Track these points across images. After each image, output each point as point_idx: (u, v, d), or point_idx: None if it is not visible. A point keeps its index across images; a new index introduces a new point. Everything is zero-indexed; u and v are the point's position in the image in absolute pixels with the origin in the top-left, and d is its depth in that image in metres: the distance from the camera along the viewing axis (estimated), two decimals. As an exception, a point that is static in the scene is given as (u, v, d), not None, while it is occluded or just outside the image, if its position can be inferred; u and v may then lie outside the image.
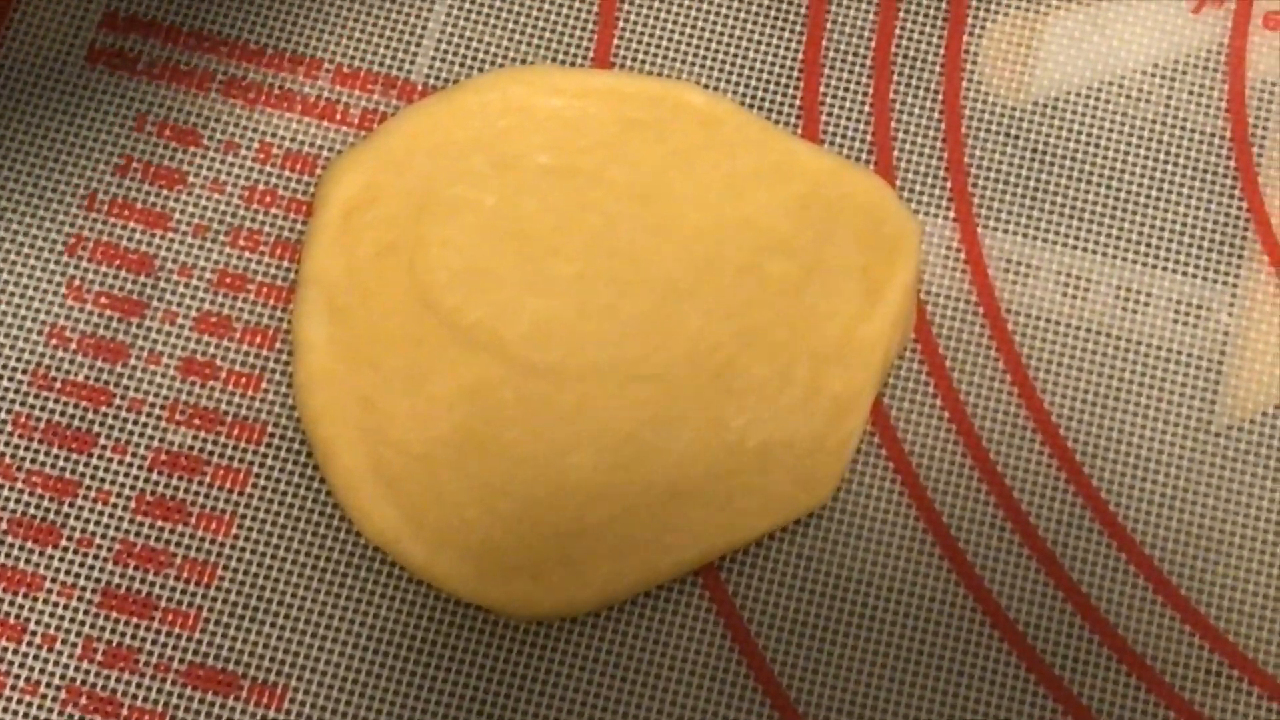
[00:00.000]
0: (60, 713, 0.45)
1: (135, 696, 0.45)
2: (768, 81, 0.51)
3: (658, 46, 0.51)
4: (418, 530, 0.45)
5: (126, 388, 0.48)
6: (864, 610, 0.46)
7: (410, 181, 0.48)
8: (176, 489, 0.47)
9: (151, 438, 0.47)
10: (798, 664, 0.46)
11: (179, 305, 0.48)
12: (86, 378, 0.48)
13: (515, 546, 0.46)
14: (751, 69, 0.51)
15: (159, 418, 0.47)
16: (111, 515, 0.46)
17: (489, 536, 0.46)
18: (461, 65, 0.51)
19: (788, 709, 0.45)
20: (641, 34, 0.51)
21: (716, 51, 0.51)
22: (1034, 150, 0.51)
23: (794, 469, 0.47)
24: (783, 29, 0.52)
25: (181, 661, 0.45)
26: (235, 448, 0.47)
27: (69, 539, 0.46)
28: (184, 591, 0.46)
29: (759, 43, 0.51)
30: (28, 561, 0.46)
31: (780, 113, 0.51)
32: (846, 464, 0.47)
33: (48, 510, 0.46)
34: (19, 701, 0.45)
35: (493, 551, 0.46)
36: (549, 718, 0.45)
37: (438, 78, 0.51)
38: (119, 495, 0.47)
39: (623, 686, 0.45)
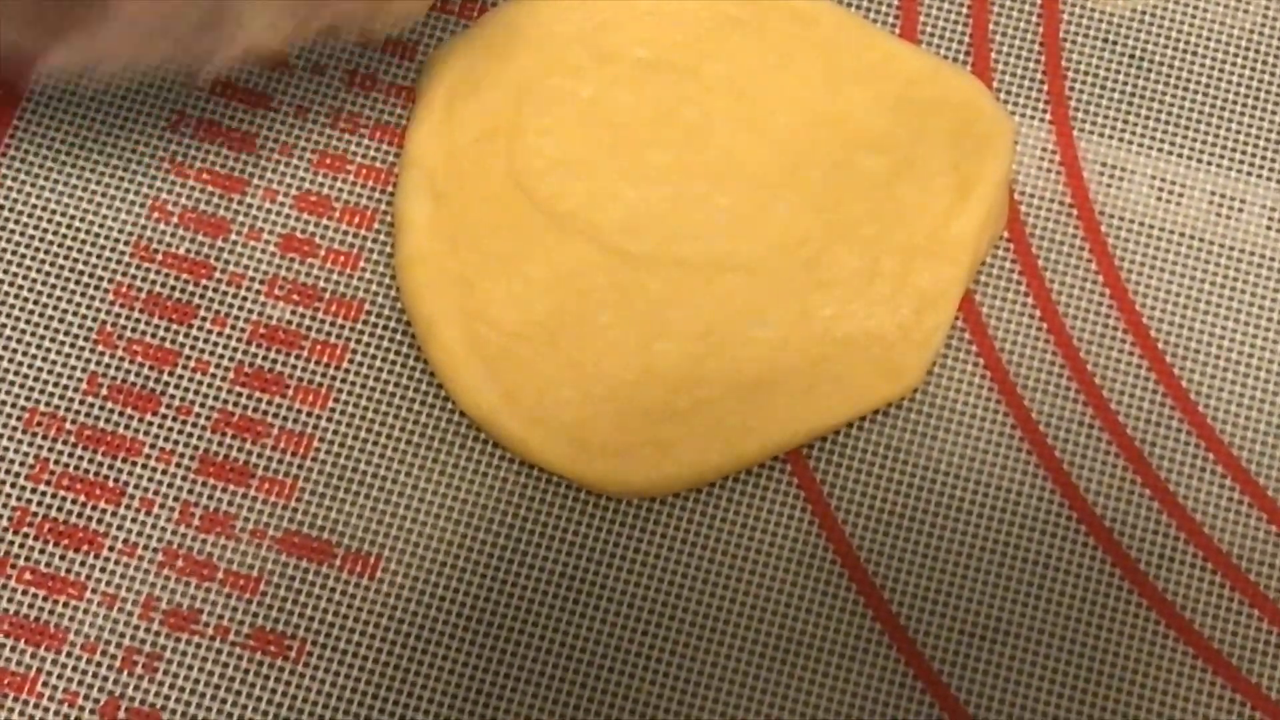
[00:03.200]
0: (157, 574, 0.45)
1: (231, 561, 0.46)
2: (867, -19, 0.51)
3: (758, -56, 0.51)
4: (513, 406, 0.46)
5: (227, 262, 0.48)
6: (949, 500, 0.47)
7: (510, 71, 0.49)
8: (274, 361, 0.47)
9: (250, 311, 0.48)
10: (883, 550, 0.46)
11: (279, 184, 0.49)
12: (188, 251, 0.48)
13: (607, 425, 0.46)
14: (851, -32, 0.51)
15: (258, 292, 0.48)
16: (210, 385, 0.47)
17: (582, 414, 0.46)
18: (562, -42, 0.51)
19: (872, 593, 0.46)
20: (742, -69, 0.52)
21: (816, -49, 0.51)
22: (1132, 55, 0.51)
23: (880, 359, 0.47)
24: (883, -70, 0.52)
25: (277, 529, 0.46)
26: (333, 323, 0.48)
27: (168, 406, 0.47)
28: (280, 461, 0.46)
29: (858, -57, 0.52)
30: (127, 427, 0.47)
31: (878, 11, 0.51)
32: (932, 356, 0.47)
33: (147, 379, 0.47)
34: (116, 561, 0.45)
35: (585, 429, 0.46)
36: (637, 594, 0.46)
37: (539, -31, 0.51)
38: (217, 366, 0.47)
39: (710, 566, 0.46)
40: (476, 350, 0.46)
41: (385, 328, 0.48)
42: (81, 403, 0.47)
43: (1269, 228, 0.49)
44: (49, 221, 0.48)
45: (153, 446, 0.46)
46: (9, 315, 0.47)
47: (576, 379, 0.47)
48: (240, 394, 0.47)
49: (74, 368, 0.47)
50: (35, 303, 0.48)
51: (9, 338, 0.47)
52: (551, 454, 0.46)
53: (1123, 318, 0.48)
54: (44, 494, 0.46)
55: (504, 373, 0.46)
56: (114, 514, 0.46)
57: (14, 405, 0.47)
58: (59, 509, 0.46)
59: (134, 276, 0.48)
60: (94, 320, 0.47)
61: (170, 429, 0.47)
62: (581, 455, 0.46)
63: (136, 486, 0.46)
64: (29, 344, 0.47)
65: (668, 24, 0.50)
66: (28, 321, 0.47)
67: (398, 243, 0.48)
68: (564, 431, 0.46)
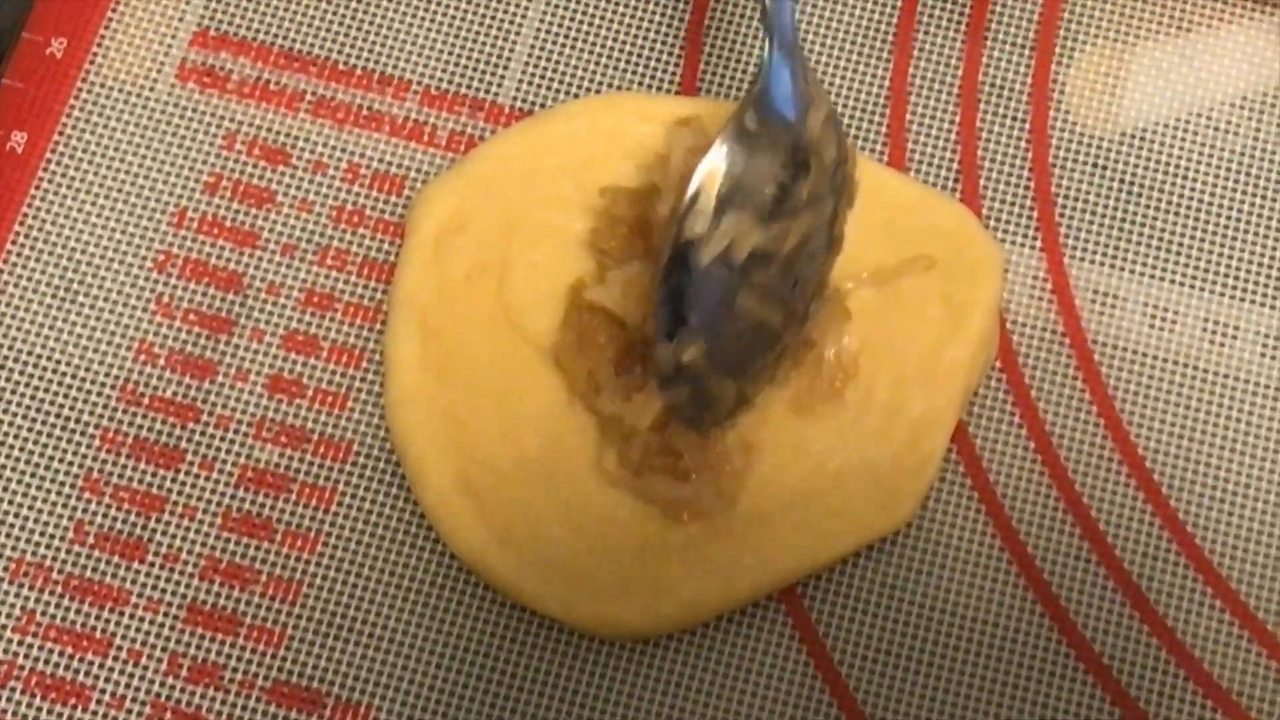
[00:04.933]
0: (145, 727, 0.45)
1: (220, 713, 0.45)
2: (855, 108, 0.51)
3: (744, 73, 0.51)
4: (505, 547, 0.46)
5: (214, 404, 0.48)
6: (945, 635, 0.46)
7: (500, 206, 0.49)
8: (262, 506, 0.47)
9: (238, 454, 0.47)
10: (879, 690, 0.46)
11: (267, 323, 0.49)
12: (174, 394, 0.48)
13: (600, 564, 0.46)
14: (838, 96, 0.51)
15: (246, 435, 0.48)
16: (198, 531, 0.47)
17: (574, 554, 0.46)
18: (548, 89, 0.51)
19: (871, 737, 0.45)
20: (728, 60, 0.51)
21: (803, 78, 0.51)
22: (1121, 181, 0.50)
23: (874, 491, 0.47)
24: (870, 57, 0.52)
25: (266, 678, 0.45)
26: (321, 465, 0.47)
27: (155, 554, 0.46)
28: (269, 608, 0.46)
29: (846, 70, 0.51)
30: (114, 576, 0.46)
31: (867, 140, 0.51)
32: (926, 487, 0.47)
33: (134, 525, 0.47)
34: (105, 716, 0.45)
35: (578, 569, 0.46)
36: (632, 741, 0.45)
37: (525, 100, 0.51)
38: (205, 511, 0.47)
39: (704, 708, 0.45)
40: (468, 490, 0.46)
41: (374, 469, 0.47)
42: (68, 552, 0.46)
43: (1263, 354, 0.49)
44: (34, 366, 0.48)
45: (140, 595, 0.46)
46: (-5, 463, 0.47)
47: (569, 516, 0.46)
48: (228, 540, 0.47)
49: (60, 515, 0.47)
50: (21, 449, 0.47)
51: (-5, 485, 0.47)
52: (544, 596, 0.46)
53: (1117, 447, 0.48)
54: (31, 646, 0.45)
55: (496, 512, 0.46)
56: (101, 665, 0.45)
57: (0, 555, 0.46)
58: (46, 661, 0.45)
59: (120, 421, 0.48)
60: (80, 467, 0.47)
61: (158, 577, 0.46)
62: (574, 597, 0.46)
63: (124, 637, 0.46)
64: (15, 492, 0.47)
65: (655, 157, 0.49)
66: (14, 469, 0.47)
67: (387, 383, 0.47)
68: (556, 572, 0.46)
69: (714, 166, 0.45)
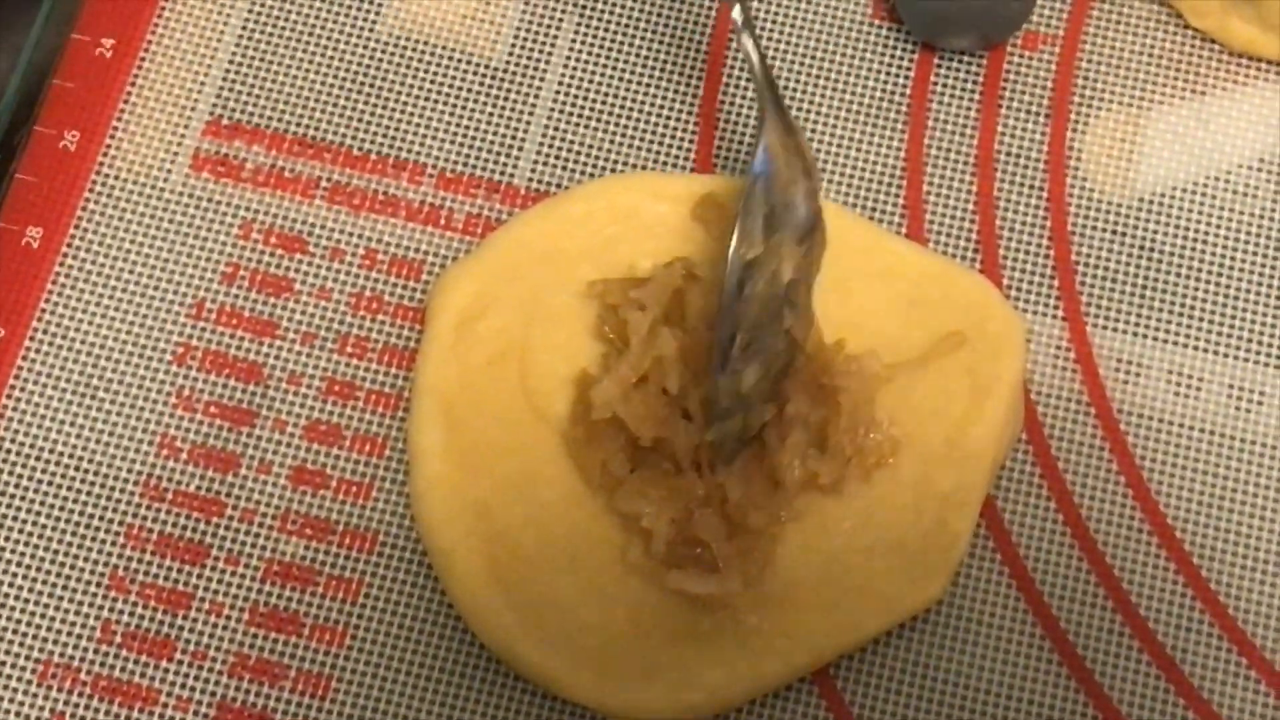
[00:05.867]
0: (178, 829, 0.45)
1: (252, 811, 0.45)
2: (871, 181, 0.51)
3: (760, 147, 0.51)
4: (534, 634, 0.45)
5: (238, 498, 0.48)
6: (980, 711, 0.46)
7: (520, 290, 0.48)
8: (289, 600, 0.47)
9: (263, 548, 0.47)
10: (917, 772, 0.45)
11: (288, 413, 0.48)
12: (198, 488, 0.48)
13: (630, 650, 0.46)
14: (854, 169, 0.51)
15: (271, 528, 0.47)
16: (225, 628, 0.46)
17: (604, 640, 0.46)
18: (563, 169, 0.51)
19: (909, 819, 0.45)
20: (742, 136, 0.51)
21: (818, 152, 0.51)
22: (1141, 247, 0.50)
23: (903, 569, 0.46)
24: (884, 129, 0.51)
25: (298, 775, 0.45)
26: (347, 557, 0.47)
27: (184, 652, 0.46)
28: (299, 704, 0.46)
29: (860, 143, 0.51)
30: (143, 675, 0.46)
31: (884, 212, 0.51)
32: (956, 564, 0.47)
33: (162, 623, 0.46)
34: (137, 817, 0.45)
35: (608, 656, 0.45)
36: (668, 830, 0.45)
37: (540, 181, 0.51)
38: (232, 607, 0.47)
39: (742, 798, 0.45)
40: (496, 577, 0.46)
41: (400, 559, 0.47)
42: (96, 652, 0.46)
43: (1289, 419, 0.49)
44: (56, 464, 0.48)
45: (169, 695, 0.46)
46: (19, 564, 0.47)
47: (598, 603, 0.46)
48: (256, 635, 0.46)
49: (87, 615, 0.46)
50: (45, 548, 0.47)
51: (19, 587, 0.47)
52: (574, 683, 0.45)
53: (1145, 517, 0.48)
54: (60, 749, 0.45)
55: (524, 599, 0.46)
56: (132, 767, 0.45)
57: (27, 657, 0.46)
58: (76, 764, 0.45)
59: (145, 518, 0.47)
60: (106, 565, 0.47)
61: (187, 675, 0.46)
62: (604, 683, 0.45)
63: (154, 738, 0.45)
64: (40, 592, 0.47)
65: (676, 235, 0.49)
66: (39, 569, 0.47)
67: (412, 473, 0.47)
68: (586, 658, 0.45)
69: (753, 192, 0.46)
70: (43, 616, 0.46)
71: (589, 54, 0.52)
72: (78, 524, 0.47)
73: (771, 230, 0.45)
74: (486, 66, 0.52)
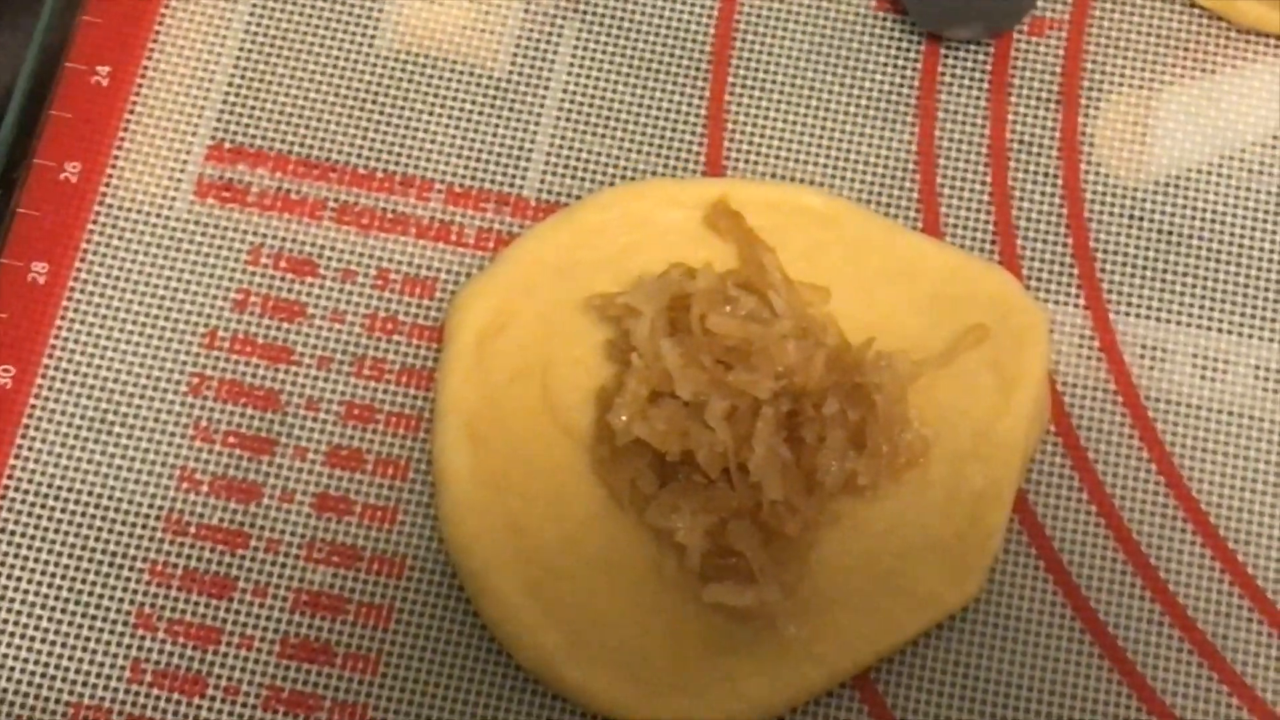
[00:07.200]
0: None
1: (295, 846, 0.44)
2: (884, 176, 0.50)
3: (769, 149, 0.51)
4: (573, 651, 0.45)
5: (262, 528, 0.47)
6: (1023, 707, 0.45)
7: (538, 304, 0.48)
8: (320, 630, 0.46)
9: (291, 578, 0.46)
10: (963, 773, 0.45)
11: (308, 440, 0.48)
12: (221, 520, 0.47)
13: (670, 664, 0.45)
14: (866, 165, 0.51)
15: (297, 557, 0.47)
16: (256, 661, 0.46)
17: (643, 654, 0.45)
18: (573, 178, 0.50)
19: (958, 821, 0.45)
20: (752, 138, 0.51)
21: (829, 150, 0.51)
22: (1159, 230, 0.50)
23: (939, 568, 0.46)
24: (895, 123, 0.51)
25: (339, 807, 0.45)
26: (376, 583, 0.46)
27: (215, 688, 0.45)
28: (336, 735, 0.45)
29: (871, 138, 0.51)
30: (175, 714, 0.45)
31: (899, 207, 0.50)
32: (991, 560, 0.46)
33: (192, 660, 0.46)
34: None
35: (648, 670, 0.45)
36: (717, 845, 0.44)
37: (550, 192, 0.50)
38: (262, 640, 0.46)
39: (789, 808, 0.45)
40: (533, 597, 0.45)
41: (430, 582, 0.47)
42: (127, 692, 0.45)
43: (1317, 397, 0.48)
44: (75, 502, 0.47)
45: (204, 732, 0.45)
46: (44, 606, 0.46)
47: (636, 616, 0.46)
48: (288, 667, 0.46)
49: (115, 655, 0.46)
50: (70, 589, 0.46)
51: (45, 629, 0.46)
52: (616, 699, 0.45)
53: (1178, 503, 0.47)
54: (97, 793, 0.45)
55: (562, 617, 0.45)
56: (171, 808, 0.44)
57: (58, 700, 0.45)
58: (113, 808, 0.44)
59: (168, 553, 0.47)
60: (132, 603, 0.46)
61: (220, 712, 0.45)
62: (646, 697, 0.45)
63: (191, 777, 0.45)
64: (67, 634, 0.46)
65: (691, 240, 0.49)
66: (64, 610, 0.46)
67: (440, 495, 0.46)
68: (626, 672, 0.45)
69: None
70: (71, 659, 0.46)
71: (592, 59, 0.52)
72: (101, 563, 0.46)
73: None
74: (489, 77, 0.51)
